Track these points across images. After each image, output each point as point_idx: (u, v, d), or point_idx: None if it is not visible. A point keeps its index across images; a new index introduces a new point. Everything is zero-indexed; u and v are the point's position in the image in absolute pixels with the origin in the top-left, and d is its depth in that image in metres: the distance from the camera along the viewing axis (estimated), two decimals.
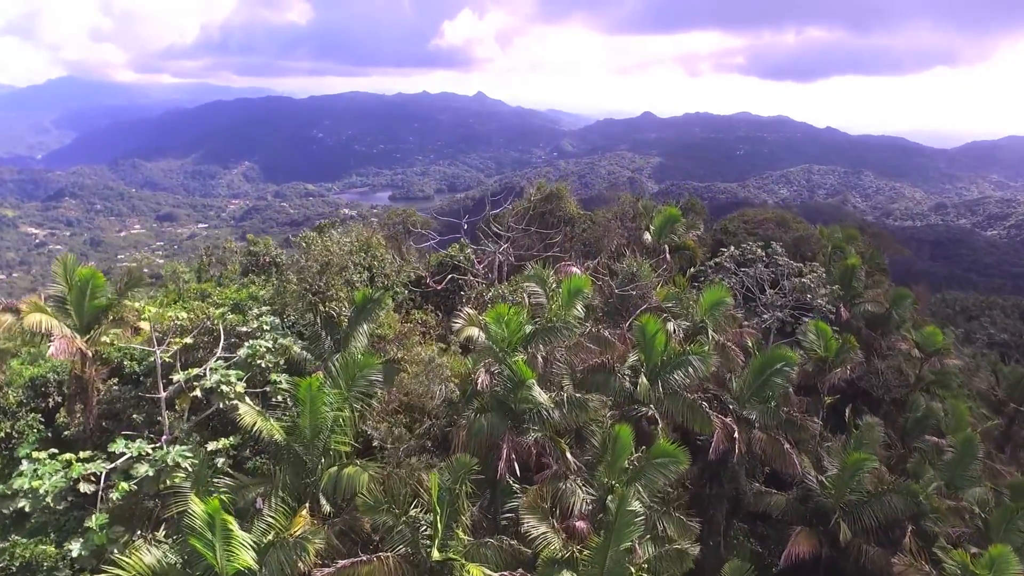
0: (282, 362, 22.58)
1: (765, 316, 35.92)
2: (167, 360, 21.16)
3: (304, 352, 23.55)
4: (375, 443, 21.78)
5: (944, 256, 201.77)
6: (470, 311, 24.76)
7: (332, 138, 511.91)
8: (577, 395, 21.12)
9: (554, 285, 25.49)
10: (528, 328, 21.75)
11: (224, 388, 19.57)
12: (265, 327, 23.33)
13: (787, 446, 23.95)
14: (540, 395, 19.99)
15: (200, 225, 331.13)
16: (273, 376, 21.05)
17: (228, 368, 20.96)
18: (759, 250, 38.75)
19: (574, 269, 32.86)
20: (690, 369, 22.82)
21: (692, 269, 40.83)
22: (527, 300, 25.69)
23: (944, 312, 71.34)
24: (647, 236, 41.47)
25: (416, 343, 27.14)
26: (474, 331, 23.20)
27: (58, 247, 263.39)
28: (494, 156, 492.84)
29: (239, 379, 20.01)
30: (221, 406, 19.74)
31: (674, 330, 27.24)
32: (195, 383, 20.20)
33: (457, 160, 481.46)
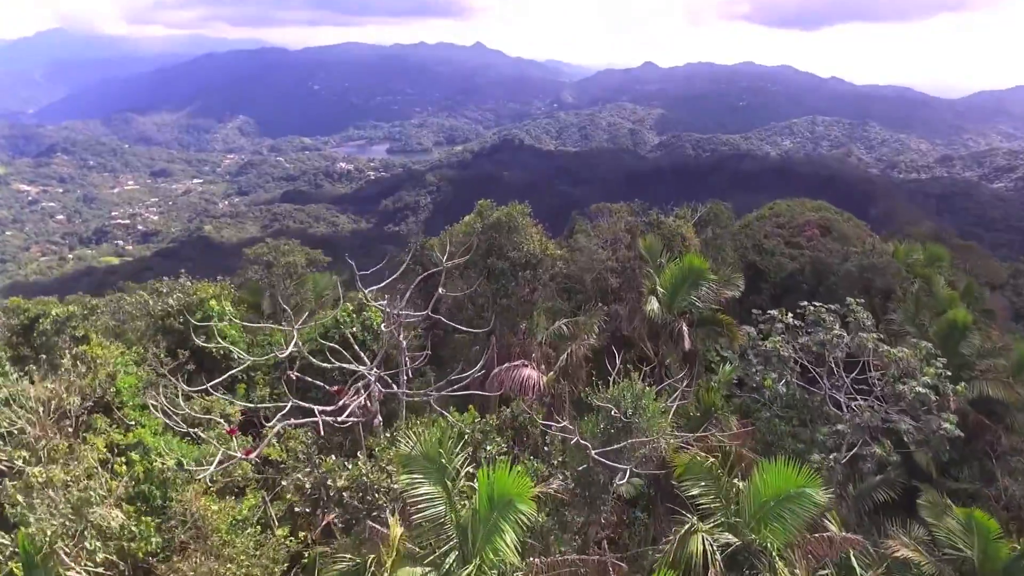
0: None
1: (840, 426, 20.28)
2: None
3: None
4: None
5: (949, 210, 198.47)
6: None
7: (328, 91, 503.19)
8: None
9: (468, 466, 12.56)
10: None
11: None
12: None
13: None
14: None
15: (195, 181, 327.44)
16: None
17: None
18: (833, 322, 22.06)
19: (528, 373, 20.04)
20: None
21: (730, 369, 23.89)
22: (392, 529, 11.60)
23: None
24: (652, 304, 24.26)
25: None
26: None
27: (51, 204, 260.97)
28: (493, 108, 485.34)
29: None
30: None
31: (705, 548, 12.89)
32: None
33: (455, 112, 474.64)
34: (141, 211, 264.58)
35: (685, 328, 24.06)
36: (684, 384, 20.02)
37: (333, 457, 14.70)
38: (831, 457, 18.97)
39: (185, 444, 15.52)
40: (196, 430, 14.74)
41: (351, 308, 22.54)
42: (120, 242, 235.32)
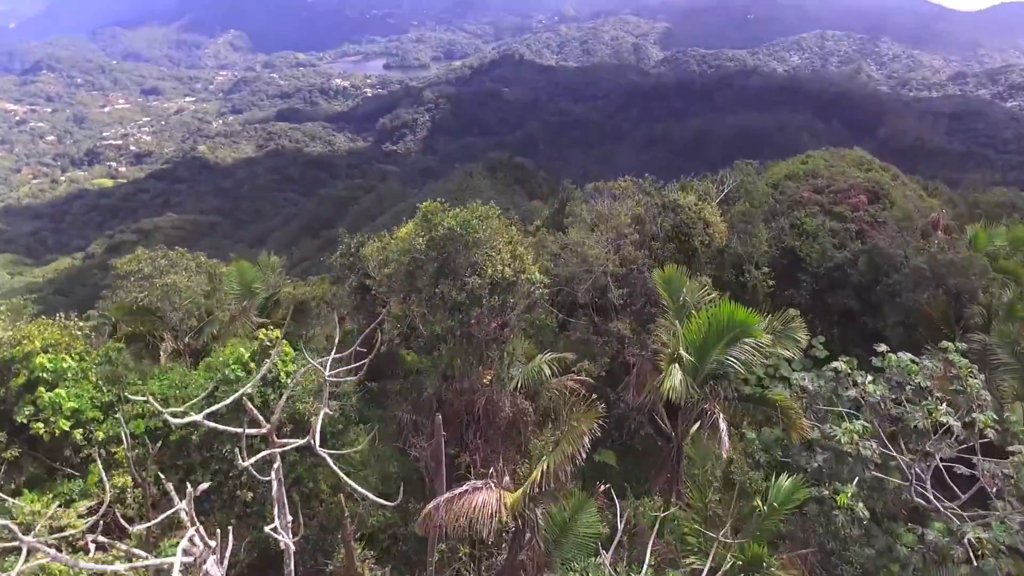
0: None
1: (930, 534, 13.37)
2: None
3: None
4: None
5: (961, 130, 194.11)
6: None
7: (322, 3, 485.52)
8: None
9: None
10: None
11: None
12: None
13: None
14: None
15: (187, 99, 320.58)
16: None
17: None
18: (937, 401, 14.18)
19: (482, 500, 13.58)
20: None
21: (788, 486, 12.77)
22: None
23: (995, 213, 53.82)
24: (674, 377, 15.72)
25: None
26: None
27: (40, 124, 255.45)
28: (492, 21, 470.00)
29: None
30: None
31: None
32: None
33: (454, 26, 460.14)
34: (133, 131, 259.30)
35: (723, 421, 15.66)
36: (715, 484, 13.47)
37: None
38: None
39: None
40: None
41: (248, 355, 15.76)
42: (113, 164, 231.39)
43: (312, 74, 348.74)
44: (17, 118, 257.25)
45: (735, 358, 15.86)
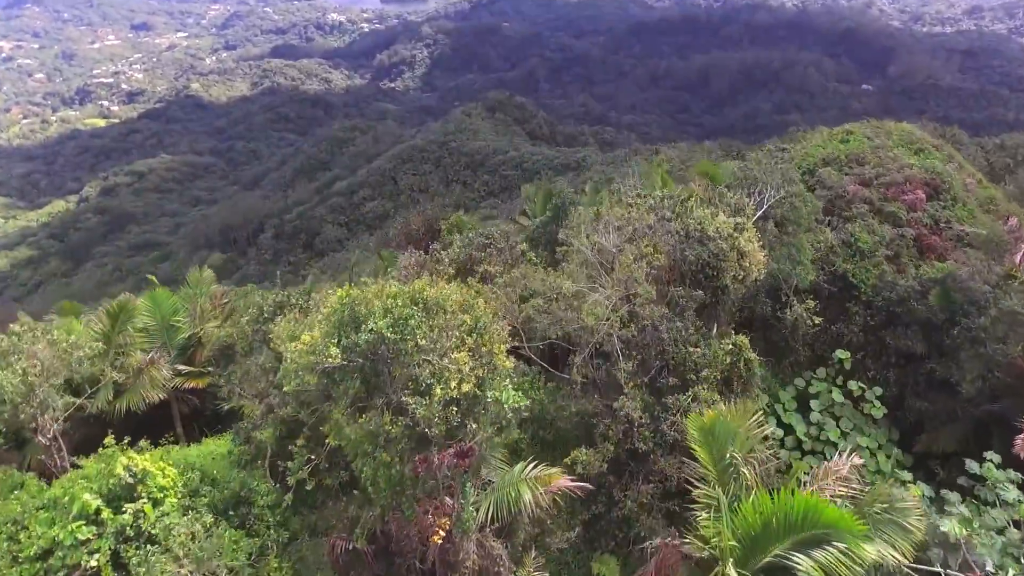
0: None
1: None
2: None
3: None
4: None
5: (974, 67, 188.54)
6: None
7: None
8: None
9: None
10: None
11: None
12: None
13: None
14: None
15: (179, 34, 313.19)
16: None
17: None
18: None
19: None
20: None
21: None
22: None
23: (1002, 163, 47.14)
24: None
25: None
26: None
27: (28, 61, 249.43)
28: None
29: None
30: None
31: None
32: None
33: None
34: (124, 69, 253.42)
35: None
36: None
37: None
38: None
39: None
40: None
41: (96, 503, 11.01)
42: (105, 103, 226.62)
43: (307, 8, 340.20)
44: (3, 55, 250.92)
45: (810, 558, 10.43)
